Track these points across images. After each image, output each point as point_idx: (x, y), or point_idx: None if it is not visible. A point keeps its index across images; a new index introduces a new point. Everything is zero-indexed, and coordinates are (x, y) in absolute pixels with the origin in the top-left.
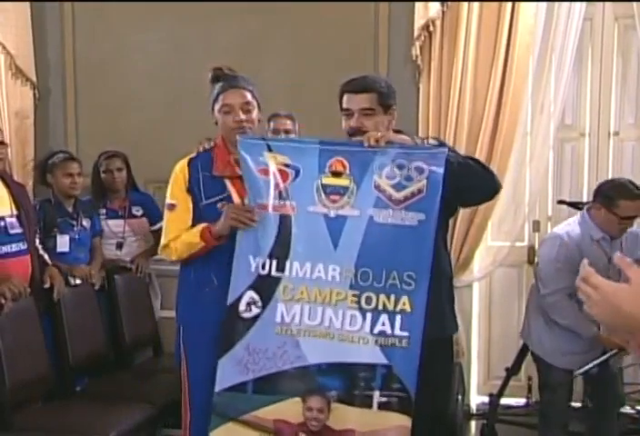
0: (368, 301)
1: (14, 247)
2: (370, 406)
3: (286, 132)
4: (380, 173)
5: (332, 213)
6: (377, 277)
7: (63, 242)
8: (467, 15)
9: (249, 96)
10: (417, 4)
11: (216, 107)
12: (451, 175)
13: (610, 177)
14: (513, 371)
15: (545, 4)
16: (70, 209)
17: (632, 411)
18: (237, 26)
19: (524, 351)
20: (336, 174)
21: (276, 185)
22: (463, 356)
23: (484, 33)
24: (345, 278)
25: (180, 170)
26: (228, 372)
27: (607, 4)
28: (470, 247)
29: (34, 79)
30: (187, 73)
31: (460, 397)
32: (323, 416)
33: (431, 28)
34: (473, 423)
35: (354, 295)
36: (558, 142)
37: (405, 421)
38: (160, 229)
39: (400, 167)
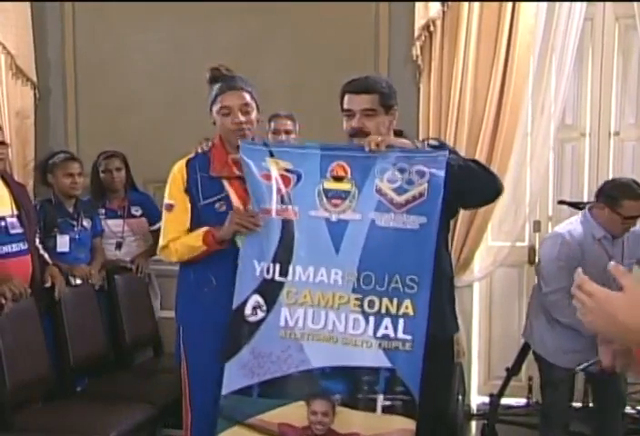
0: (371, 304)
1: (14, 247)
2: (374, 410)
3: (287, 132)
4: (381, 176)
5: (334, 218)
6: (380, 281)
7: (63, 243)
8: (468, 15)
9: (248, 97)
10: (418, 4)
11: (215, 109)
12: (452, 178)
13: (610, 177)
14: (513, 371)
15: (545, 4)
16: (70, 209)
17: (632, 411)
18: (237, 26)
19: (524, 351)
20: (338, 179)
21: (279, 190)
22: (463, 356)
23: (484, 33)
24: (348, 282)
25: (178, 170)
26: (234, 376)
27: (608, 4)
28: (470, 247)
29: (34, 79)
30: (187, 73)
31: (461, 397)
32: (327, 420)
33: (431, 28)
34: (473, 423)
35: (356, 299)
36: (559, 142)
37: (409, 425)
38: (159, 229)
39: (401, 171)
